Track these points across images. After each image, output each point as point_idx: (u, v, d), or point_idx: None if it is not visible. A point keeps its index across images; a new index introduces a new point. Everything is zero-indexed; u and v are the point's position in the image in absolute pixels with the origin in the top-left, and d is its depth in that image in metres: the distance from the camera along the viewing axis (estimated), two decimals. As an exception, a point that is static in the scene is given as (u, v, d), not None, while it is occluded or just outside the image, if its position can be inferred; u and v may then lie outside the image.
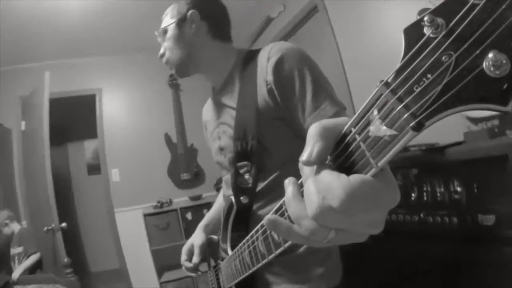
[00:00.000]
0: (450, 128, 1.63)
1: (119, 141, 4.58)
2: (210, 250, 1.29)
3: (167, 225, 4.24)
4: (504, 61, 0.26)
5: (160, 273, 4.23)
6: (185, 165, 4.63)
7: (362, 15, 2.86)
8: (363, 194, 0.33)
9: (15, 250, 3.39)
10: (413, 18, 0.31)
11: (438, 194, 1.52)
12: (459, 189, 1.44)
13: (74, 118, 5.80)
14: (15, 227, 3.54)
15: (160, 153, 4.64)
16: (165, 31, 1.15)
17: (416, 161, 1.64)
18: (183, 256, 1.28)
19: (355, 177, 0.33)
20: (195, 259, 1.22)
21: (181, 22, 1.12)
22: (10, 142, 4.15)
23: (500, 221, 1.28)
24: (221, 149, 1.13)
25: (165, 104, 4.82)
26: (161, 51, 1.18)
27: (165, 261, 4.17)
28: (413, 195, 1.61)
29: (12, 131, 4.17)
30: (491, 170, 1.37)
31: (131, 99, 4.79)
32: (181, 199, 4.50)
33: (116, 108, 4.70)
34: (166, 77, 4.82)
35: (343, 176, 0.34)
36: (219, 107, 1.16)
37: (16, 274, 3.13)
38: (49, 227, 3.21)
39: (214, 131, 1.18)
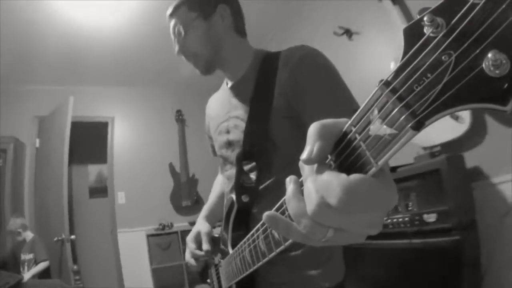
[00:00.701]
0: (406, 154, 2.10)
1: (126, 167, 4.61)
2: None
3: (168, 245, 4.24)
4: (504, 61, 0.24)
5: (158, 294, 4.14)
6: (186, 193, 4.65)
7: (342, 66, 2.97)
8: (362, 193, 0.30)
9: (25, 257, 3.36)
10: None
11: (398, 205, 1.91)
12: (411, 197, 1.85)
13: (82, 142, 5.67)
14: (28, 235, 3.50)
15: (164, 181, 4.66)
16: (187, 26, 1.01)
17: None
18: (192, 245, 1.12)
19: (354, 176, 0.31)
20: (206, 246, 1.06)
21: (208, 15, 1.02)
22: (23, 156, 4.15)
23: (439, 217, 1.69)
24: (229, 143, 1.04)
25: (171, 136, 4.89)
26: (179, 47, 1.04)
27: (164, 281, 4.10)
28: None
29: (26, 146, 4.18)
30: (430, 181, 1.78)
31: (140, 129, 4.85)
32: (181, 224, 4.44)
33: (125, 136, 4.75)
34: (174, 112, 4.89)
35: (343, 175, 0.31)
36: (233, 100, 1.06)
37: (25, 278, 3.06)
38: (59, 238, 3.28)
39: (222, 124, 1.08)
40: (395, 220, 1.86)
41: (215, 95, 1.24)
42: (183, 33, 1.02)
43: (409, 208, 1.86)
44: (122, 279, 4.16)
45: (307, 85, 0.88)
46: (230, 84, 1.10)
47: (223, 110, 1.09)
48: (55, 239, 3.28)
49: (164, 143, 4.84)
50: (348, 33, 3.02)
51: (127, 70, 4.35)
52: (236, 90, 1.07)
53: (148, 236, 4.23)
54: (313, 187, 0.33)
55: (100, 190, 5.40)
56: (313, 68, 0.90)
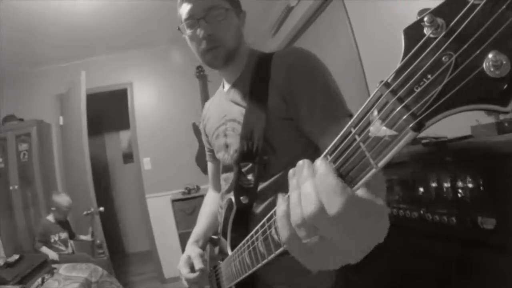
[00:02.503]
0: (456, 121, 1.55)
1: (150, 131, 4.65)
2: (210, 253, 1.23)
3: (192, 210, 4.29)
4: (504, 62, 0.25)
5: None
6: (212, 152, 4.62)
7: (377, 2, 2.79)
8: (361, 212, 0.33)
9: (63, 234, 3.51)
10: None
11: (445, 190, 1.31)
12: (461, 187, 1.24)
13: (109, 110, 5.90)
14: None
15: (189, 142, 4.62)
16: (225, 13, 0.99)
17: (418, 156, 1.47)
18: (184, 270, 1.11)
19: (361, 193, 0.33)
20: (199, 265, 1.08)
21: (238, 14, 1.06)
22: (50, 136, 4.34)
23: (501, 225, 1.07)
24: (227, 146, 1.06)
25: (192, 95, 4.75)
26: (207, 31, 0.97)
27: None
28: (420, 189, 1.43)
29: (51, 126, 4.36)
30: (496, 169, 1.16)
31: (160, 91, 4.81)
32: (208, 186, 4.49)
33: (146, 100, 4.76)
34: (193, 69, 4.81)
35: (348, 188, 0.33)
36: (229, 103, 1.08)
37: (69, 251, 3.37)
38: (88, 211, 3.37)
39: (220, 128, 1.10)
40: (436, 216, 1.29)
41: (212, 99, 1.27)
42: (220, 18, 0.99)
43: (459, 196, 1.23)
44: (154, 244, 4.40)
45: (301, 87, 0.90)
46: (227, 87, 1.13)
47: (220, 114, 1.11)
48: (84, 213, 3.37)
49: (186, 102, 4.76)
50: None
51: (137, 32, 4.18)
52: (232, 93, 1.08)
53: (173, 201, 4.33)
54: (314, 190, 0.35)
55: (131, 156, 5.74)
56: (307, 71, 0.91)
